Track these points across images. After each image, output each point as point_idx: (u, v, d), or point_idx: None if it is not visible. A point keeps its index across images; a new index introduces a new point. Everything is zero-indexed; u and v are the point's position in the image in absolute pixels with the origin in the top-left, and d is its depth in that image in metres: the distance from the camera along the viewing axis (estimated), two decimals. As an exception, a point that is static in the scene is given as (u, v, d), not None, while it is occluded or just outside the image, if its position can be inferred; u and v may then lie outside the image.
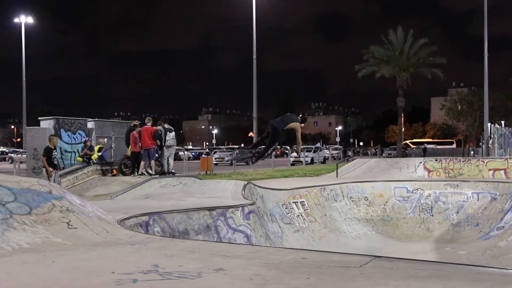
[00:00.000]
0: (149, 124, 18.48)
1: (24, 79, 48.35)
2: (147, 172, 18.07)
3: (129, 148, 18.62)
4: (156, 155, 18.28)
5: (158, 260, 5.88)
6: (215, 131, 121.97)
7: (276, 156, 41.62)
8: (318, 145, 66.16)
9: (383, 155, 49.58)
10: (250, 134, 48.70)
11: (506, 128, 38.26)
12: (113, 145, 21.90)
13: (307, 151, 47.62)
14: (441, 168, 24.43)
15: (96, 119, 23.05)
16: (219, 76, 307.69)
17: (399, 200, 21.28)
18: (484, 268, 5.61)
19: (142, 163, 18.04)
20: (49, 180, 13.92)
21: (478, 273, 5.31)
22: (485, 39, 35.35)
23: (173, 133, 18.40)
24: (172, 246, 7.03)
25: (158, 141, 18.12)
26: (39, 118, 21.65)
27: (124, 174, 18.41)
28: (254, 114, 44.04)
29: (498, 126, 35.05)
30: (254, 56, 41.76)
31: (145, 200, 13.77)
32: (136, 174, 18.09)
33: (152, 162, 17.98)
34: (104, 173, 19.26)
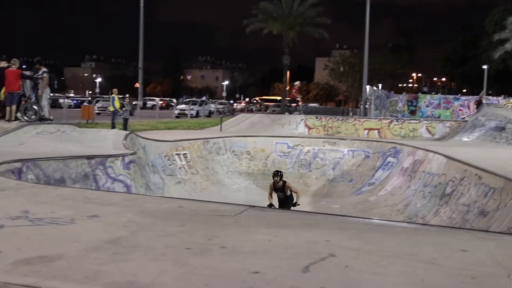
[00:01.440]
0: (14, 66, 17.44)
1: None
2: (22, 118, 17.15)
3: (2, 91, 17.51)
4: (32, 99, 17.38)
5: (28, 207, 5.67)
6: (98, 80, 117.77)
7: (160, 108, 41.16)
8: (203, 98, 66.12)
9: (267, 111, 50.50)
10: (136, 84, 47.56)
11: (383, 90, 40.30)
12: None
13: (192, 104, 47.45)
14: (321, 126, 25.37)
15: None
16: (104, 22, 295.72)
17: (280, 155, 21.92)
18: (349, 217, 5.98)
19: (13, 107, 17.05)
20: None
21: (343, 222, 5.65)
22: (367, 4, 36.62)
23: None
24: (45, 193, 6.81)
25: (28, 82, 17.27)
26: None
27: None
28: (140, 65, 43.04)
29: (375, 88, 36.77)
30: (141, 4, 40.53)
31: (18, 146, 13.10)
32: (9, 119, 17.11)
33: (14, 107, 17.02)
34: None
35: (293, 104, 30.80)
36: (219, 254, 4.07)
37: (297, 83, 31.95)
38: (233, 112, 49.42)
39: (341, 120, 25.73)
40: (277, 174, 13.32)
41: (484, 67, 60.55)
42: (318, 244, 4.42)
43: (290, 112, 29.88)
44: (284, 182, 13.30)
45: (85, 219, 5.20)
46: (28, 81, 17.57)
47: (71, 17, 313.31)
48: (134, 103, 36.19)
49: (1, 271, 3.47)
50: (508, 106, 34.60)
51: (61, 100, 38.68)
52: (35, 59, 18.31)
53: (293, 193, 13.31)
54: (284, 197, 13.17)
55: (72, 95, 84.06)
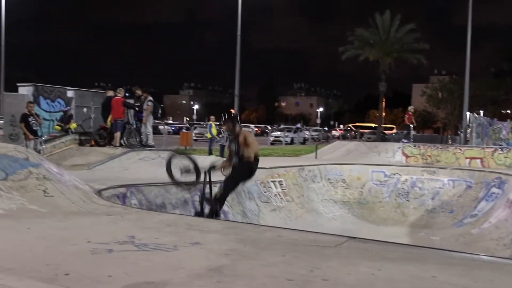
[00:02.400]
0: (119, 95, 18.35)
1: (2, 43, 47.43)
2: (125, 144, 17.97)
3: (109, 119, 18.47)
4: (134, 126, 18.22)
5: (134, 232, 5.88)
6: (196, 107, 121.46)
7: (256, 135, 41.68)
8: (298, 125, 66.30)
9: (363, 138, 49.87)
10: (232, 111, 48.70)
11: (485, 117, 38.66)
12: (92, 116, 21.70)
13: (287, 131, 47.72)
14: (419, 154, 24.64)
15: (76, 88, 22.72)
16: (202, 52, 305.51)
17: (376, 184, 21.46)
18: (455, 252, 5.72)
19: (118, 134, 17.90)
20: (26, 146, 13.77)
21: (450, 257, 5.41)
22: (468, 29, 35.48)
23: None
24: (149, 218, 7.04)
25: (131, 110, 18.12)
26: (17, 85, 21.32)
27: (99, 145, 18.29)
28: (236, 92, 43.86)
29: (476, 115, 35.39)
30: (239, 33, 41.43)
31: (123, 172, 13.71)
32: (114, 145, 17.98)
33: (118, 133, 17.84)
34: (82, 143, 19.12)
35: (405, 131, 29.44)
36: (322, 287, 4.02)
37: (410, 108, 30.86)
38: (327, 139, 49.18)
39: (441, 148, 24.86)
40: (228, 116, 9.92)
41: None
42: (424, 280, 4.26)
43: (387, 140, 29.15)
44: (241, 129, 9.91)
45: (188, 246, 5.32)
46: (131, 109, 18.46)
47: (171, 47, 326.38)
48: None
49: (111, 295, 3.61)
50: None
51: (160, 127, 40.20)
52: (133, 88, 19.25)
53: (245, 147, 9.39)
54: (236, 150, 9.55)
55: (170, 121, 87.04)
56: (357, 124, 72.36)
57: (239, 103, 45.15)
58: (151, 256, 4.87)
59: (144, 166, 14.88)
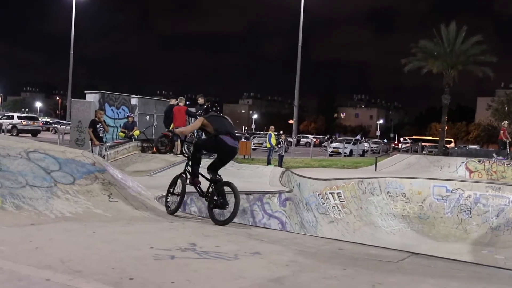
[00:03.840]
0: (181, 103, 18.63)
1: (72, 52, 49.23)
2: (186, 152, 18.21)
3: (171, 126, 18.79)
4: (195, 134, 18.46)
5: (195, 239, 5.95)
6: (255, 116, 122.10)
7: (314, 146, 41.47)
8: (358, 137, 65.52)
9: (424, 152, 48.80)
10: (290, 121, 48.70)
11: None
12: (154, 123, 22.15)
13: (346, 143, 47.28)
14: (484, 169, 23.88)
15: (139, 96, 23.26)
16: (263, 62, 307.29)
17: (437, 199, 20.97)
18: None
19: (179, 142, 18.17)
20: (92, 152, 14.18)
21: (519, 278, 5.21)
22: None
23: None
24: (209, 227, 7.11)
25: (193, 118, 18.32)
26: (85, 92, 21.98)
27: (160, 152, 18.60)
28: (296, 102, 43.83)
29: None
30: (300, 44, 41.53)
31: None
32: (175, 152, 18.26)
33: (178, 142, 18.08)
34: (144, 149, 19.52)
35: (500, 147, 28.00)
36: (384, 303, 3.95)
37: (504, 123, 29.88)
38: (387, 152, 48.41)
39: (508, 164, 24.01)
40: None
41: None
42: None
43: (447, 154, 28.24)
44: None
45: (248, 256, 5.34)
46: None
47: (232, 57, 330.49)
48: (289, 139, 36.91)
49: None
50: None
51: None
52: (197, 96, 19.50)
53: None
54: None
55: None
56: (415, 137, 70.48)
57: (298, 113, 45.12)
58: (212, 264, 4.91)
59: (204, 173, 15.01)
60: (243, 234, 6.65)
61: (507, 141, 26.51)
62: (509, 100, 63.64)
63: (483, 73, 42.59)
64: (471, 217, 20.15)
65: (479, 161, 24.51)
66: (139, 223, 6.94)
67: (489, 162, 24.19)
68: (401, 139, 79.53)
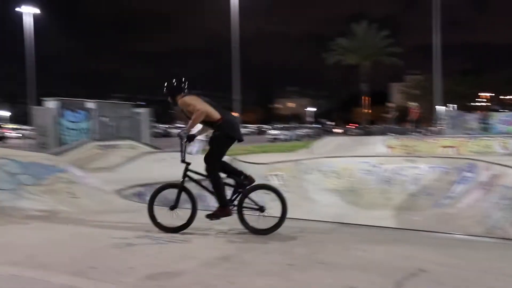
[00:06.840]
0: None
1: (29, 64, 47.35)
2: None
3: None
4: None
5: (152, 227, 5.84)
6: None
7: (257, 134, 41.60)
8: (294, 124, 66.26)
9: (348, 133, 50.05)
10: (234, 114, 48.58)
11: (456, 110, 38.59)
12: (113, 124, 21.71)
13: (285, 130, 47.72)
14: (400, 145, 24.55)
15: (96, 100, 22.68)
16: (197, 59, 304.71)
17: (363, 173, 21.38)
18: (434, 233, 5.68)
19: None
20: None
21: (430, 238, 5.38)
22: (436, 32, 35.42)
23: None
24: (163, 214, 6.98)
25: None
26: (41, 99, 21.26)
27: None
28: (235, 96, 43.69)
29: (450, 109, 35.36)
30: (234, 44, 41.32)
31: (140, 172, 13.61)
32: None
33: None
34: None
35: (410, 126, 28.61)
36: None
37: (412, 104, 30.68)
38: (320, 135, 49.18)
39: (419, 139, 24.75)
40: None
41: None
42: (408, 260, 4.23)
43: (370, 134, 28.95)
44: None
45: (199, 237, 5.30)
46: None
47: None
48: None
49: (134, 285, 3.59)
50: None
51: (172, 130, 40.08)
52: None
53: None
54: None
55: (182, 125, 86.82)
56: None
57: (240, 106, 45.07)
58: (165, 248, 4.85)
59: (158, 166, 14.80)
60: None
61: (414, 119, 27.61)
62: (417, 84, 66.05)
63: (391, 62, 44.16)
64: (391, 187, 20.66)
65: (396, 138, 25.20)
66: (100, 216, 6.76)
67: (404, 138, 24.91)
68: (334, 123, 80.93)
